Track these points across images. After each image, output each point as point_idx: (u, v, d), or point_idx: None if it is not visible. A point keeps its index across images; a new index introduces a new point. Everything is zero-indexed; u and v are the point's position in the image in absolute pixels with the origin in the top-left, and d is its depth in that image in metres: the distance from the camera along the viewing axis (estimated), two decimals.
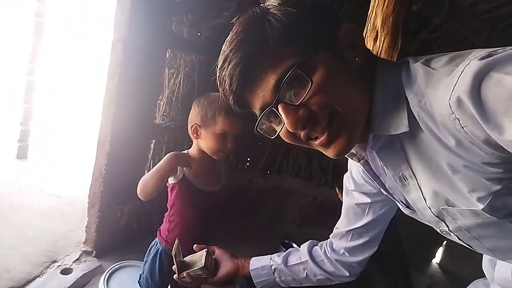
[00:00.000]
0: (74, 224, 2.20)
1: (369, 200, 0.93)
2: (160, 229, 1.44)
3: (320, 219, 3.05)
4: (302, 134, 0.64)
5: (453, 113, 0.51)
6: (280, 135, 0.67)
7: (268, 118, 0.67)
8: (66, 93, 6.48)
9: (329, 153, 0.66)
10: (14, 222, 2.14)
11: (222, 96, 0.69)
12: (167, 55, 2.18)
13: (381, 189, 0.81)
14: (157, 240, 1.43)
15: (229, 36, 0.65)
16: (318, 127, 0.63)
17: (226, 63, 0.64)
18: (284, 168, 3.20)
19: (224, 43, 0.66)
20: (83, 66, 6.76)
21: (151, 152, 2.22)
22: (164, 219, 1.44)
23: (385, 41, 1.37)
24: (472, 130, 0.51)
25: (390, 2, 1.22)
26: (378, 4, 1.35)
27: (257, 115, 0.67)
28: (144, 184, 1.28)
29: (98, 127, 1.93)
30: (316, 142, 0.64)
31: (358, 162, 0.77)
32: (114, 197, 2.02)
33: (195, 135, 1.36)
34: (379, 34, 1.37)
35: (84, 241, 2.00)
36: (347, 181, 0.97)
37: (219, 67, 0.66)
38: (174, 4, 2.00)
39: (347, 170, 0.99)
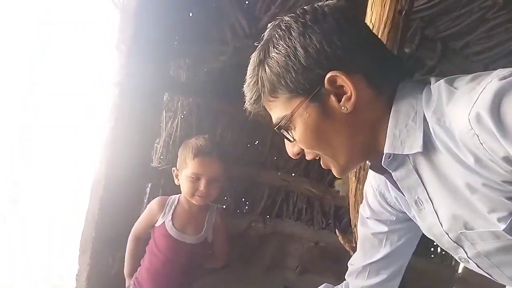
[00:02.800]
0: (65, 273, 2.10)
1: (386, 229, 0.88)
2: None
3: (323, 265, 2.93)
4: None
5: (472, 128, 0.50)
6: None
7: None
8: (62, 137, 6.55)
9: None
10: None
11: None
12: (165, 98, 2.21)
13: (403, 207, 0.78)
14: None
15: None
16: (312, 158, 0.72)
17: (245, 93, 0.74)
18: (284, 212, 3.13)
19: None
20: (80, 111, 6.89)
21: (147, 195, 2.17)
22: None
23: None
24: (491, 146, 0.50)
25: None
26: None
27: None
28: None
29: (92, 171, 1.91)
30: None
31: (382, 174, 0.76)
32: (107, 243, 1.94)
33: (176, 180, 1.38)
34: None
35: None
36: (363, 209, 0.94)
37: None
38: (172, 49, 2.04)
39: (349, 214, 0.97)
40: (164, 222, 1.32)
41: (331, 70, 0.64)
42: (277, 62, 0.66)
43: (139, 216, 2.15)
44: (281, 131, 0.70)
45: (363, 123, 0.67)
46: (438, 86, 0.61)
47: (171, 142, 2.29)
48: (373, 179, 0.88)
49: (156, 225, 1.32)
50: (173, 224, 1.34)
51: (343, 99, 0.65)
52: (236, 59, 1.96)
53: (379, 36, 1.22)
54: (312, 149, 0.70)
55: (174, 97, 2.26)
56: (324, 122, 0.66)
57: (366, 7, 1.29)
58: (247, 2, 2.09)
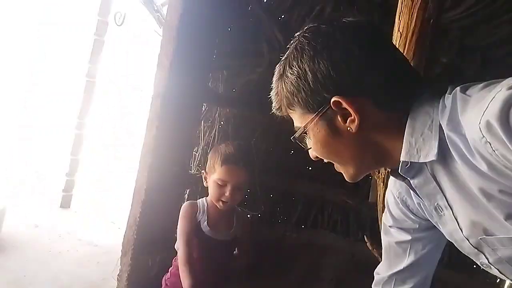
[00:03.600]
0: (108, 272, 2.22)
1: (409, 238, 0.88)
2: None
3: (359, 278, 2.87)
4: None
5: (483, 136, 0.52)
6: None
7: None
8: (111, 145, 6.83)
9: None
10: (52, 268, 2.20)
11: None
12: (203, 109, 2.30)
13: (426, 214, 0.79)
14: None
15: None
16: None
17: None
18: (319, 223, 3.11)
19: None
20: (125, 119, 7.16)
21: (185, 201, 2.26)
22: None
23: None
24: (503, 154, 0.51)
25: (409, 49, 1.22)
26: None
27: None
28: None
29: (135, 177, 2.02)
30: None
31: (403, 181, 0.76)
32: (147, 246, 2.04)
33: (205, 182, 1.43)
34: None
35: None
36: (385, 218, 0.94)
37: None
38: (211, 62, 2.14)
39: (378, 221, 0.96)
40: (199, 221, 1.39)
41: (336, 95, 0.67)
42: (291, 81, 0.72)
43: (177, 221, 2.25)
44: (297, 140, 0.77)
45: (372, 140, 0.70)
46: (454, 94, 0.62)
47: (209, 151, 2.38)
48: (393, 186, 0.88)
49: None
50: (207, 223, 1.40)
51: (348, 121, 0.68)
52: (271, 71, 2.01)
53: (406, 45, 1.22)
54: (325, 157, 0.77)
55: (212, 108, 2.35)
56: (332, 139, 0.72)
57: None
58: (282, 16, 2.16)
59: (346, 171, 0.76)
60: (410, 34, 1.22)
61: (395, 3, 1.89)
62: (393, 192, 0.89)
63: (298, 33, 0.75)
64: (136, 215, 1.97)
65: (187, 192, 2.25)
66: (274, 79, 0.78)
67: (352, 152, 0.72)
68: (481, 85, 0.60)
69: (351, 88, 0.67)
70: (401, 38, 1.24)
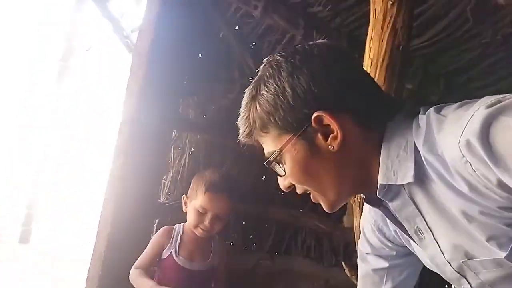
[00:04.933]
0: None
1: (387, 265, 0.87)
2: None
3: None
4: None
5: (464, 156, 0.50)
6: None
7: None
8: (72, 179, 6.59)
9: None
10: None
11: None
12: (173, 135, 2.25)
13: (403, 240, 0.78)
14: None
15: None
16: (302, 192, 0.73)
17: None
18: (293, 249, 3.07)
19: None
20: (90, 147, 6.96)
21: (154, 232, 2.16)
22: None
23: None
24: (484, 173, 0.50)
25: (380, 75, 1.24)
26: None
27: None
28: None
29: (100, 208, 1.91)
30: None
31: (378, 208, 0.75)
32: (113, 281, 1.92)
33: (184, 207, 1.38)
34: None
35: None
36: (362, 245, 0.92)
37: None
38: (181, 88, 2.11)
39: (354, 246, 0.94)
40: (171, 253, 1.31)
41: (318, 110, 0.65)
42: (267, 100, 0.68)
43: None
44: (271, 165, 0.72)
45: (352, 159, 0.67)
46: (428, 115, 0.61)
47: (178, 178, 2.31)
48: (369, 214, 0.87)
49: (163, 257, 1.30)
50: (179, 253, 1.33)
51: (329, 138, 0.66)
52: (243, 97, 2.02)
53: (377, 71, 1.25)
54: (301, 185, 0.72)
55: (183, 134, 2.30)
56: (312, 159, 0.68)
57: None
58: (254, 43, 2.17)
59: (324, 198, 0.71)
60: (380, 61, 1.24)
61: (361, 33, 1.95)
62: (369, 220, 0.88)
63: (268, 58, 0.73)
64: (101, 249, 1.85)
65: (156, 223, 2.16)
66: (244, 102, 0.74)
67: (332, 174, 0.68)
68: (455, 105, 0.60)
69: (332, 102, 0.66)
70: (372, 64, 1.26)
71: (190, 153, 2.33)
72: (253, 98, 0.72)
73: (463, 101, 0.60)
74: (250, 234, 3.01)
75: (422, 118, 0.62)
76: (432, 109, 0.62)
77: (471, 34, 1.94)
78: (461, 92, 2.31)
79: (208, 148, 2.37)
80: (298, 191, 0.74)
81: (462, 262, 0.63)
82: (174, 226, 1.54)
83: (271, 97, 0.68)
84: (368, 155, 0.67)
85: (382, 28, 1.26)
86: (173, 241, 1.40)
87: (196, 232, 1.33)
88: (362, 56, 2.04)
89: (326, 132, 0.66)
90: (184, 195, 1.39)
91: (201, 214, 1.31)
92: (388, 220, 0.78)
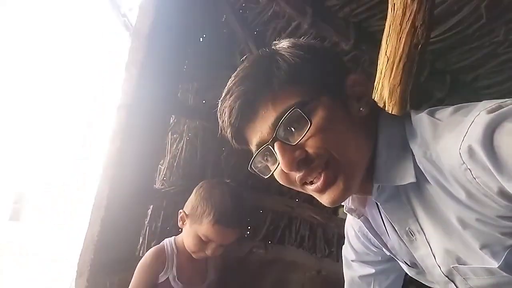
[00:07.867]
0: None
1: (373, 271, 0.87)
2: None
3: None
4: (297, 176, 0.63)
5: (464, 163, 0.48)
6: (274, 175, 0.66)
7: (264, 156, 0.67)
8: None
9: (324, 200, 0.63)
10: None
11: (221, 131, 0.71)
12: (171, 121, 2.21)
13: (384, 249, 0.77)
14: None
15: (236, 71, 0.68)
16: (314, 171, 0.61)
17: (228, 95, 0.66)
18: (286, 238, 3.08)
19: (230, 77, 0.68)
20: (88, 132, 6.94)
21: (148, 218, 2.15)
22: None
23: (393, 111, 1.35)
24: (484, 181, 0.48)
25: (397, 74, 1.21)
26: (384, 76, 1.35)
27: (253, 151, 0.67)
28: None
29: (95, 192, 1.89)
30: (311, 187, 0.63)
31: (358, 218, 0.74)
32: (105, 266, 1.91)
33: (180, 223, 1.26)
34: (386, 105, 1.36)
35: None
36: (346, 251, 0.93)
37: (221, 99, 0.70)
38: (181, 73, 2.06)
39: None
40: (168, 278, 1.23)
41: (350, 73, 0.66)
42: (294, 54, 0.65)
43: (139, 239, 2.12)
44: (283, 129, 0.61)
45: (370, 136, 0.65)
46: (421, 117, 0.60)
47: (175, 164, 2.28)
48: (353, 220, 0.85)
49: (158, 281, 1.23)
50: (178, 279, 1.24)
51: (361, 101, 0.65)
52: None
53: (393, 70, 1.20)
54: (328, 146, 0.60)
55: (181, 119, 2.26)
56: (344, 120, 0.62)
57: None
58: (257, 30, 2.11)
59: (343, 173, 0.61)
60: (397, 60, 1.18)
61: (370, 25, 1.89)
62: (353, 225, 0.87)
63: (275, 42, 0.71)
64: (94, 233, 1.83)
65: (151, 208, 2.14)
66: (256, 59, 0.70)
67: (353, 137, 0.62)
68: (450, 109, 0.57)
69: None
70: (388, 62, 1.20)
71: (188, 139, 2.29)
72: (273, 53, 0.67)
73: (458, 105, 0.57)
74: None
75: (415, 121, 0.60)
76: (424, 112, 0.61)
77: (483, 32, 1.89)
78: (467, 90, 2.26)
79: (205, 135, 2.33)
80: (297, 179, 0.64)
81: (452, 267, 0.61)
82: (164, 244, 1.40)
83: (301, 53, 0.65)
84: (371, 141, 0.65)
85: (400, 24, 1.19)
86: (169, 264, 1.28)
87: (194, 256, 1.24)
88: (370, 48, 1.99)
89: (358, 95, 0.65)
90: (181, 210, 1.27)
91: (203, 242, 1.20)
92: (373, 224, 0.77)
